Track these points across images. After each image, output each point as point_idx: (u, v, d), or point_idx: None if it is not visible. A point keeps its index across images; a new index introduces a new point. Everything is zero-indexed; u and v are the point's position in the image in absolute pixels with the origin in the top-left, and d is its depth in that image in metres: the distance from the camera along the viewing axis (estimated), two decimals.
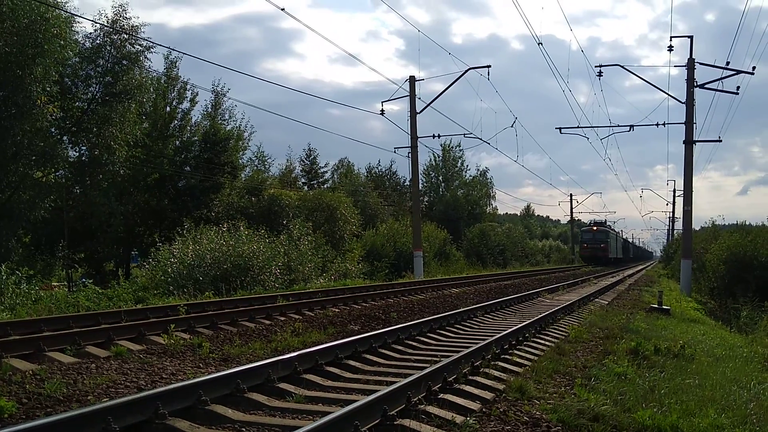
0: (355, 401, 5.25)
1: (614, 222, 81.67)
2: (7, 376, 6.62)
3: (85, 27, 34.15)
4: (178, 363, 7.81)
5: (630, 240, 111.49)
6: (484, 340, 9.04)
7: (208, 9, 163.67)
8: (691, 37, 28.50)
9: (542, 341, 10.27)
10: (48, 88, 25.04)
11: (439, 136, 34.72)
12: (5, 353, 7.51)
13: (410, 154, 31.22)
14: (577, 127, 32.60)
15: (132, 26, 29.34)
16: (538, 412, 6.07)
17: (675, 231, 77.13)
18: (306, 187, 53.94)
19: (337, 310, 14.15)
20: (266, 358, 7.23)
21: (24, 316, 11.83)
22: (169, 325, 9.64)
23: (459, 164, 69.07)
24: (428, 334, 10.38)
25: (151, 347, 8.81)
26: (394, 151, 32.76)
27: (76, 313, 12.24)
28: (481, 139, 37.75)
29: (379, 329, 9.85)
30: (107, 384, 6.53)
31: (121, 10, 29.10)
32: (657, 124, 30.78)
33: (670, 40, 28.07)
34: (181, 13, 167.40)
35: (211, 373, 6.44)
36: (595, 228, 64.15)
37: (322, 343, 8.33)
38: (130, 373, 7.15)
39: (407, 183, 60.25)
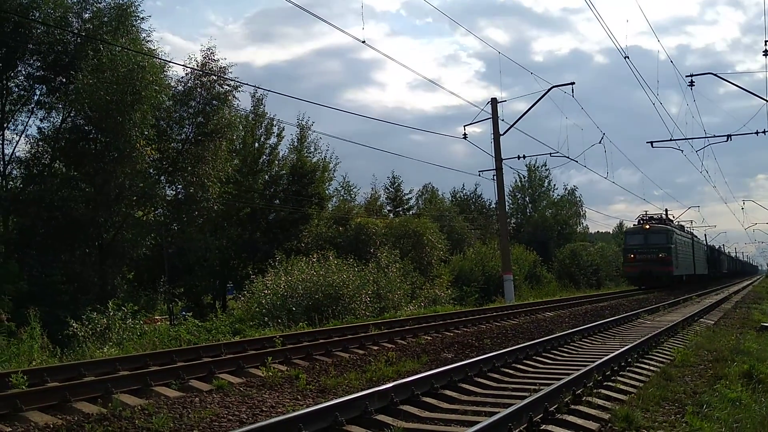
0: None
1: (683, 223, 53.86)
2: (118, 411, 6.90)
3: (176, 72, 36.02)
4: (277, 395, 7.93)
5: (725, 250, 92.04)
6: (584, 366, 8.72)
7: (290, 45, 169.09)
8: None
9: (646, 366, 9.81)
10: (146, 132, 26.46)
11: (524, 156, 34.31)
12: (115, 389, 7.84)
13: (495, 177, 30.92)
14: (670, 140, 31.21)
15: (220, 68, 30.68)
16: None
17: None
18: (392, 215, 54.28)
19: (429, 337, 14.06)
20: (362, 390, 7.24)
21: (131, 351, 12.37)
22: (266, 358, 9.83)
23: (546, 184, 67.90)
24: (524, 361, 10.12)
25: (250, 380, 9.00)
26: (479, 175, 32.63)
27: (178, 347, 12.70)
28: (568, 157, 36.79)
29: (473, 357, 9.69)
30: (211, 418, 6.70)
31: (209, 53, 30.49)
32: (756, 132, 29.23)
33: (765, 44, 26.66)
34: (264, 51, 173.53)
35: (309, 406, 6.50)
36: (647, 227, 40.05)
37: (417, 373, 8.27)
38: (232, 406, 7.31)
39: (493, 206, 59.70)
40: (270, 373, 9.20)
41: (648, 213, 43.64)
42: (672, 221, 46.74)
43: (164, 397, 7.91)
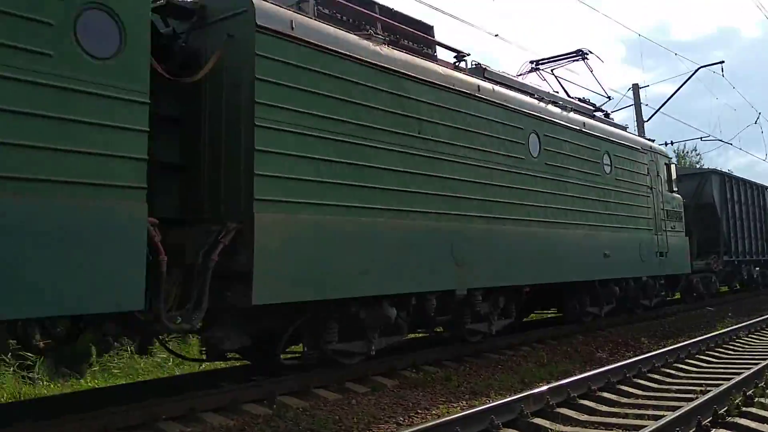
0: None
1: None
2: (282, 413, 7.30)
3: None
4: (430, 397, 8.05)
5: None
6: (754, 365, 8.15)
7: None
8: None
9: None
10: None
11: (672, 142, 32.61)
12: (279, 392, 8.28)
13: None
14: None
15: None
16: None
17: None
18: None
19: (581, 336, 13.65)
20: (515, 392, 7.20)
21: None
22: (415, 359, 9.99)
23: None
24: (686, 361, 9.60)
25: (402, 382, 9.18)
26: None
27: None
28: (721, 140, 34.42)
29: (630, 357, 9.33)
30: (368, 419, 6.93)
31: None
32: None
33: None
34: None
35: (464, 409, 6.57)
36: None
37: (571, 375, 8.10)
38: (387, 408, 7.51)
39: None
40: (421, 375, 9.34)
41: None
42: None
43: (323, 399, 8.26)
